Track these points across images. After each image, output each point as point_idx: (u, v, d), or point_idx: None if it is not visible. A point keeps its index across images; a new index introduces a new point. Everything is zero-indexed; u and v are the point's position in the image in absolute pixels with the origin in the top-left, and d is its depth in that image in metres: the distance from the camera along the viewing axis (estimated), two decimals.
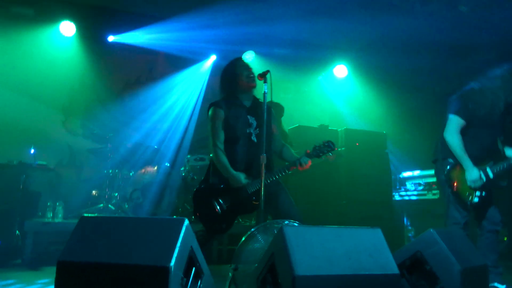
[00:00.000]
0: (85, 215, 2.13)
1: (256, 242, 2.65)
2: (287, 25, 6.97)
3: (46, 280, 3.79)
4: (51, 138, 6.66)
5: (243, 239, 2.72)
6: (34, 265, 4.52)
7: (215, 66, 7.70)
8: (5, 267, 4.42)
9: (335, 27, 7.00)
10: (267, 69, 3.23)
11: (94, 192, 6.14)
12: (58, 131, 6.87)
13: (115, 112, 7.34)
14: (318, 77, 8.72)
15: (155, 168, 5.90)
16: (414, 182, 6.62)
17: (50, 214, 5.22)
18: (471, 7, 6.13)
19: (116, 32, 7.14)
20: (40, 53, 6.77)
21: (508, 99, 3.60)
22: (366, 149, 6.26)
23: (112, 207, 5.67)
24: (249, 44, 7.40)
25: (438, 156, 3.79)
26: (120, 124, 7.31)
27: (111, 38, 7.17)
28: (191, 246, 2.07)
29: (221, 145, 3.36)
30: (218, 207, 3.28)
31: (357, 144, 6.24)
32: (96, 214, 5.58)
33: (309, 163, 3.34)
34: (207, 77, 7.84)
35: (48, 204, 5.28)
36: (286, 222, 2.81)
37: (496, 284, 3.48)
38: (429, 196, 6.26)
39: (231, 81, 3.47)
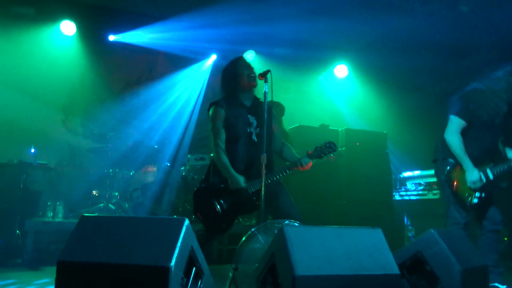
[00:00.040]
0: (85, 214, 2.12)
1: (256, 242, 2.65)
2: (288, 24, 6.97)
3: (46, 280, 3.79)
4: (52, 138, 6.66)
5: (244, 239, 2.72)
6: (34, 264, 4.52)
7: (215, 66, 7.71)
8: (5, 266, 4.42)
9: (336, 27, 7.00)
10: (268, 68, 3.23)
11: (94, 191, 6.15)
12: (58, 131, 6.88)
13: (115, 112, 7.34)
14: (318, 77, 8.72)
15: (156, 167, 5.90)
16: (414, 182, 6.62)
17: (50, 214, 5.22)
18: (471, 7, 6.12)
19: (116, 31, 7.14)
20: (40, 52, 6.77)
21: (511, 101, 3.59)
22: (367, 149, 6.26)
23: (113, 207, 5.67)
24: (250, 43, 7.40)
25: (438, 156, 3.79)
26: (120, 123, 7.31)
27: (111, 38, 7.17)
28: (192, 246, 2.07)
29: (222, 145, 3.36)
30: (218, 207, 3.28)
31: (358, 144, 6.23)
32: (96, 214, 5.58)
33: (310, 164, 3.33)
34: (207, 77, 7.84)
35: (49, 203, 5.29)
36: (287, 222, 2.81)
37: (497, 284, 3.48)
38: (430, 196, 6.26)
39: (232, 80, 3.46)
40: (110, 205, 5.70)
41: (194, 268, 2.10)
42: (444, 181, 3.67)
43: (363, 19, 6.68)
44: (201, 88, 7.85)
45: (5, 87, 6.44)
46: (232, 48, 7.15)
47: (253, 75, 3.43)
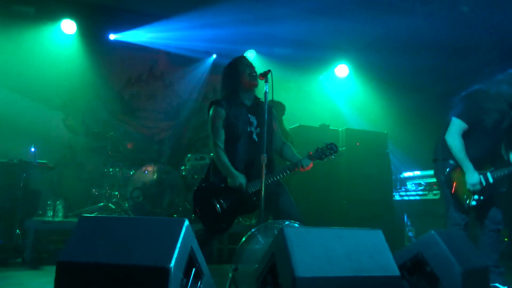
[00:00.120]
0: (85, 214, 2.12)
1: (256, 242, 2.64)
2: (288, 24, 6.97)
3: (46, 279, 3.78)
4: (52, 137, 6.67)
5: (244, 239, 2.71)
6: (34, 264, 4.52)
7: (215, 65, 7.70)
8: (5, 266, 4.42)
9: (336, 26, 7.00)
10: (268, 68, 3.22)
11: (94, 190, 6.15)
12: (58, 129, 6.88)
13: (115, 111, 7.34)
14: (319, 76, 8.71)
15: (155, 167, 5.89)
16: (414, 182, 6.62)
17: (50, 213, 5.22)
18: (471, 7, 6.12)
19: (117, 30, 7.14)
20: (41, 51, 6.76)
21: None
22: (367, 149, 6.26)
23: (113, 206, 5.67)
24: (250, 43, 7.40)
25: (439, 156, 3.78)
26: (120, 122, 7.31)
27: (112, 37, 7.18)
28: (191, 247, 2.06)
29: (221, 144, 3.35)
30: (218, 207, 3.27)
31: (358, 144, 6.24)
32: (96, 213, 5.58)
33: (311, 165, 3.33)
34: (207, 76, 7.83)
35: (49, 202, 5.29)
36: (287, 222, 2.80)
37: (497, 285, 3.48)
38: (430, 196, 6.25)
39: (233, 79, 3.45)
40: (110, 204, 5.70)
41: (194, 268, 2.09)
42: (444, 182, 3.67)
43: (363, 19, 6.68)
44: (202, 87, 7.85)
45: (6, 86, 6.44)
46: (233, 47, 7.15)
47: (254, 74, 3.42)
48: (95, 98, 7.23)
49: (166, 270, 1.80)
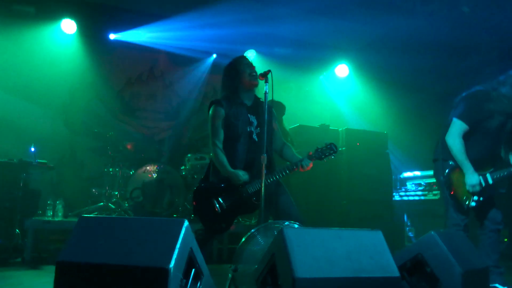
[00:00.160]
0: (84, 215, 2.12)
1: (256, 242, 2.64)
2: (289, 24, 6.97)
3: (46, 279, 3.78)
4: (52, 136, 6.66)
5: (243, 239, 2.71)
6: (34, 263, 4.52)
7: (215, 65, 7.70)
8: (5, 265, 4.42)
9: (336, 26, 7.00)
10: (268, 68, 3.22)
11: (94, 190, 6.15)
12: (58, 129, 6.87)
13: (115, 110, 7.34)
14: (319, 76, 8.71)
15: (155, 166, 5.89)
16: (414, 182, 6.62)
17: (50, 213, 5.21)
18: (472, 7, 6.12)
19: (117, 30, 7.14)
20: (41, 51, 6.76)
21: None
22: (367, 149, 6.26)
23: (112, 206, 5.67)
24: (250, 43, 7.40)
25: (439, 156, 3.77)
26: (120, 122, 7.31)
27: (112, 36, 7.17)
28: (191, 247, 2.06)
29: (220, 144, 3.35)
30: (218, 207, 3.27)
31: (358, 144, 6.24)
32: (96, 213, 5.59)
33: (311, 165, 3.33)
34: (207, 76, 7.83)
35: (48, 202, 5.28)
36: (287, 223, 2.80)
37: (497, 285, 3.47)
38: (430, 196, 6.25)
39: (234, 78, 3.45)
40: (109, 204, 5.70)
41: (193, 269, 2.09)
42: (443, 183, 3.67)
43: (363, 19, 6.68)
44: (202, 87, 7.85)
45: (5, 85, 6.43)
46: (233, 47, 7.14)
47: (254, 74, 3.42)
48: (95, 98, 7.23)
49: (166, 271, 1.80)
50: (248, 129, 3.41)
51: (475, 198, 3.51)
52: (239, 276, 2.55)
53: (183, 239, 1.95)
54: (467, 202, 3.53)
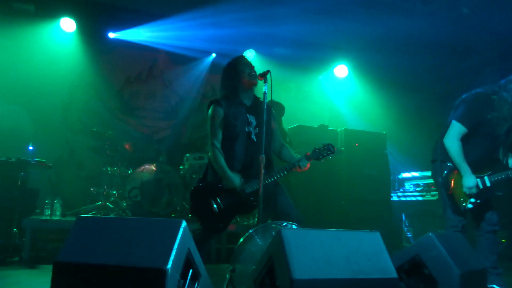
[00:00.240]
0: (82, 214, 2.11)
1: (254, 243, 2.64)
2: (288, 24, 6.97)
3: (44, 279, 3.77)
4: (51, 135, 6.64)
5: (242, 240, 2.71)
6: (32, 263, 4.51)
7: (215, 64, 7.70)
8: (3, 265, 4.41)
9: (336, 26, 6.99)
10: (268, 68, 3.22)
11: (92, 189, 6.14)
12: (57, 128, 6.85)
13: (114, 109, 7.33)
14: (318, 76, 8.71)
15: (154, 166, 5.88)
16: (413, 183, 6.62)
17: (48, 212, 5.21)
18: (472, 8, 6.12)
19: (116, 29, 7.13)
20: (40, 49, 6.76)
21: None
22: (366, 149, 6.27)
23: (111, 205, 5.67)
24: (250, 43, 7.39)
25: (437, 157, 3.77)
26: (119, 121, 7.30)
27: (111, 35, 7.16)
28: (189, 248, 2.05)
29: (218, 144, 3.35)
30: (215, 206, 3.26)
31: (357, 144, 6.24)
32: (94, 212, 5.58)
33: (308, 165, 3.33)
34: (206, 75, 7.82)
35: (46, 201, 5.27)
36: (285, 223, 2.80)
37: (495, 286, 3.48)
38: (428, 197, 6.26)
39: (233, 78, 3.44)
40: (108, 203, 5.69)
41: (191, 270, 2.09)
42: (441, 184, 3.67)
43: (364, 19, 6.67)
44: (201, 87, 7.84)
45: (4, 84, 6.42)
46: (232, 47, 7.14)
47: (253, 73, 3.42)
48: (94, 97, 7.22)
49: (163, 272, 1.79)
50: (247, 129, 3.41)
51: (472, 200, 3.51)
52: (237, 277, 2.54)
53: (180, 239, 1.94)
54: (464, 204, 3.53)
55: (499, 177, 3.54)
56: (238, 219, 5.71)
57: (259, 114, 3.40)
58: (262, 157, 3.06)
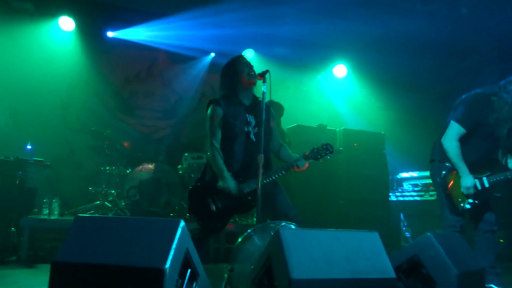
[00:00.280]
0: (80, 214, 2.11)
1: (253, 243, 2.63)
2: (287, 24, 6.96)
3: (42, 278, 3.76)
4: (49, 134, 6.63)
5: (240, 239, 2.70)
6: (29, 262, 4.50)
7: (213, 64, 7.69)
8: (1, 264, 4.40)
9: (336, 26, 6.99)
10: (266, 67, 3.22)
11: (91, 189, 6.13)
12: (56, 127, 6.84)
13: (113, 109, 7.32)
14: (317, 76, 8.71)
15: (152, 165, 5.88)
16: (411, 183, 6.63)
17: (46, 211, 5.20)
18: (472, 8, 6.12)
19: (115, 28, 7.13)
20: (39, 48, 6.75)
21: None
22: (365, 149, 6.27)
23: (109, 204, 5.66)
24: (249, 42, 7.39)
25: (436, 157, 3.77)
26: (118, 120, 7.29)
27: (110, 34, 7.15)
28: (187, 248, 2.05)
29: (217, 145, 3.34)
30: (213, 206, 3.26)
31: (356, 144, 6.24)
32: (92, 211, 5.57)
33: (307, 165, 3.33)
34: (206, 74, 7.82)
35: (44, 200, 5.26)
36: (283, 223, 2.79)
37: (493, 286, 3.48)
38: (426, 197, 6.27)
39: (232, 78, 3.44)
40: (106, 202, 5.69)
41: (189, 269, 2.08)
42: (439, 184, 3.67)
43: (363, 19, 6.67)
44: (200, 86, 7.84)
45: (2, 82, 6.41)
46: (231, 46, 7.14)
47: (253, 73, 3.41)
48: (93, 96, 7.21)
49: (161, 271, 1.79)
50: (246, 129, 3.40)
51: (470, 200, 3.51)
52: (235, 277, 2.54)
53: (179, 239, 1.94)
54: (462, 204, 3.53)
55: (498, 178, 3.54)
56: (237, 219, 5.71)
57: (258, 114, 3.39)
58: (261, 157, 3.05)
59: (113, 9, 7.07)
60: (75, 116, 7.04)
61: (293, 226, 2.76)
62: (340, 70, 8.36)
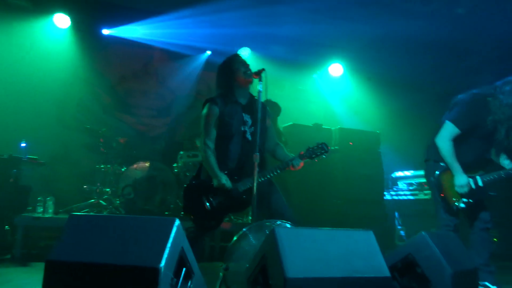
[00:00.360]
0: (75, 212, 2.09)
1: (248, 241, 2.64)
2: (284, 23, 6.95)
3: (36, 277, 3.74)
4: (44, 132, 6.58)
5: (235, 238, 2.70)
6: (23, 260, 4.48)
7: (209, 62, 7.68)
8: None
9: (333, 26, 6.98)
10: (262, 66, 3.22)
11: (85, 187, 6.10)
12: (51, 125, 6.80)
13: (109, 107, 7.29)
14: (313, 75, 8.71)
15: (148, 163, 5.86)
16: (406, 182, 6.65)
17: (40, 209, 5.16)
18: (471, 8, 6.13)
19: (111, 25, 7.09)
20: (33, 45, 6.70)
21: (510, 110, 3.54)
22: (360, 148, 6.29)
23: (104, 203, 5.64)
24: (244, 41, 7.38)
25: (430, 157, 3.78)
26: (113, 118, 7.26)
27: (105, 32, 7.12)
28: (182, 247, 2.05)
29: (211, 144, 3.34)
30: (207, 204, 3.26)
31: (351, 143, 6.26)
32: (87, 210, 5.55)
33: (302, 164, 3.34)
34: (201, 73, 7.80)
35: (39, 198, 5.23)
36: (279, 222, 2.80)
37: (487, 284, 3.49)
38: (421, 196, 6.30)
39: (228, 76, 3.44)
40: (101, 201, 5.67)
41: (184, 268, 2.08)
42: (434, 183, 3.68)
43: (361, 19, 6.67)
44: (196, 84, 7.82)
45: None
46: (227, 45, 7.13)
47: (249, 72, 3.41)
48: (88, 94, 7.17)
49: (156, 270, 1.79)
50: (242, 128, 3.40)
51: (465, 200, 3.52)
52: (230, 275, 2.54)
53: (174, 238, 1.93)
54: (456, 204, 3.54)
55: (492, 177, 3.56)
56: (232, 217, 5.71)
57: (254, 113, 3.39)
58: (256, 155, 3.06)
59: (108, 6, 7.03)
60: (70, 114, 6.99)
61: (288, 225, 2.76)
62: (336, 69, 8.36)
